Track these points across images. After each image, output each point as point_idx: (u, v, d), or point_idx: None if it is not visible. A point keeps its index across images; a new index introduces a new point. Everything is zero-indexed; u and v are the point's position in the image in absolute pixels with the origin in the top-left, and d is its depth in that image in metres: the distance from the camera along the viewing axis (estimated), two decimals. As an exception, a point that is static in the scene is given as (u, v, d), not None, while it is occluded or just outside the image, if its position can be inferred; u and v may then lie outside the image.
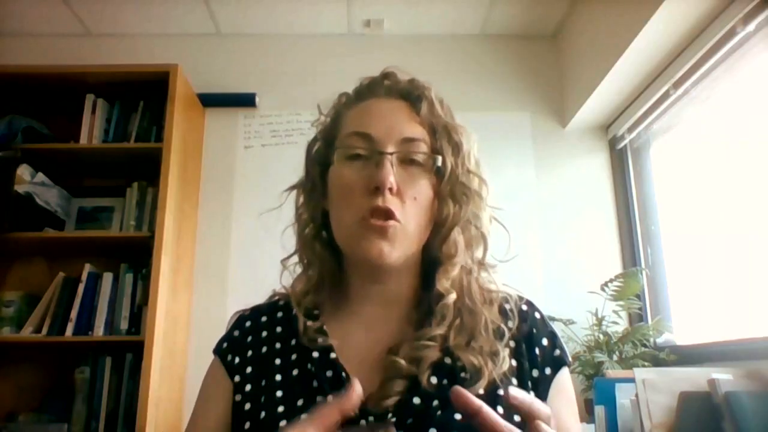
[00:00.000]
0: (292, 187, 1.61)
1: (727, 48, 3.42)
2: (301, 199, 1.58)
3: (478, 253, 1.49)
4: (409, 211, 1.38)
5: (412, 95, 1.50)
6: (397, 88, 1.53)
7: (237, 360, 1.48)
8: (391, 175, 1.35)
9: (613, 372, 3.46)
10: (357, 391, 1.07)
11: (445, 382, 1.31)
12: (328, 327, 1.45)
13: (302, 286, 1.53)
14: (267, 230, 3.79)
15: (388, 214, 1.34)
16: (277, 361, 1.42)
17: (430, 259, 1.49)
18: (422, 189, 1.41)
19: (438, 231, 1.45)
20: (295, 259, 1.58)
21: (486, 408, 1.01)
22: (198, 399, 1.52)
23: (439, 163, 1.42)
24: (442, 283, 1.41)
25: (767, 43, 3.24)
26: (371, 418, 1.26)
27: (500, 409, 1.26)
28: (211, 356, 1.54)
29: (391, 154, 1.39)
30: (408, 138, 1.42)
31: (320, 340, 1.40)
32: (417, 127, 1.45)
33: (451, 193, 1.43)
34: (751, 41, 3.32)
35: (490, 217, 1.52)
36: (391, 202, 1.35)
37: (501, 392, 1.29)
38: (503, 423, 1.00)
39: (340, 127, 1.52)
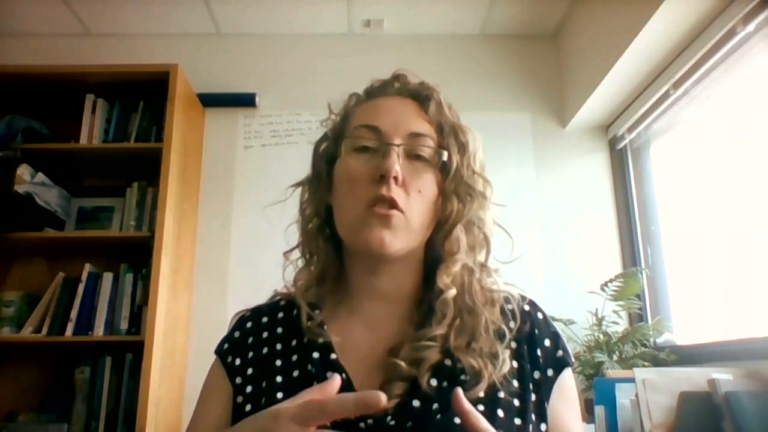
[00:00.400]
0: (298, 184, 1.62)
1: (727, 48, 3.41)
2: (306, 195, 1.59)
3: (481, 256, 1.50)
4: (413, 204, 1.39)
5: (421, 95, 1.52)
6: (407, 89, 1.55)
7: (238, 361, 1.49)
8: (397, 164, 1.37)
9: (613, 372, 3.46)
10: (336, 383, 1.11)
11: (445, 384, 1.31)
12: (329, 324, 1.46)
13: (304, 280, 1.54)
14: (267, 230, 3.80)
15: (392, 204, 1.35)
16: (278, 363, 1.42)
17: (433, 258, 1.49)
18: (427, 183, 1.42)
19: (441, 228, 1.46)
20: (297, 254, 1.59)
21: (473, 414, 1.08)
22: (199, 399, 1.52)
23: (445, 158, 1.44)
24: (443, 279, 1.41)
25: (767, 43, 3.24)
26: (370, 421, 1.26)
27: (500, 413, 1.28)
28: (211, 356, 1.55)
29: (398, 146, 1.40)
30: (415, 133, 1.44)
31: (320, 340, 1.41)
32: (425, 124, 1.47)
33: (456, 190, 1.45)
34: (751, 41, 3.32)
35: (494, 221, 1.52)
36: (396, 192, 1.36)
37: (501, 395, 1.30)
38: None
39: (348, 123, 1.54)
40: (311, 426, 1.00)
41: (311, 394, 1.08)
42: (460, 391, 1.11)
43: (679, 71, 3.78)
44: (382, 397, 0.98)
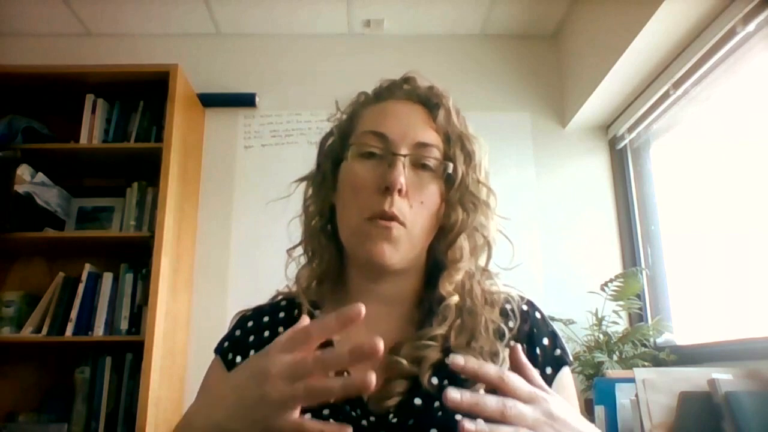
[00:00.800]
0: (303, 179, 1.63)
1: (727, 48, 3.41)
2: (310, 191, 1.60)
3: (482, 260, 1.51)
4: (415, 215, 1.40)
5: (430, 101, 1.53)
6: (416, 93, 1.55)
7: (238, 359, 1.49)
8: (402, 176, 1.38)
9: (613, 372, 3.46)
10: (305, 321, 1.13)
11: (445, 382, 1.31)
12: None
13: (306, 278, 1.55)
14: (267, 229, 3.80)
15: (394, 219, 1.36)
16: None
17: (434, 262, 1.51)
18: (430, 194, 1.43)
19: (444, 236, 1.47)
20: (299, 251, 1.59)
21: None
22: (197, 396, 1.51)
23: (450, 170, 1.45)
24: (445, 287, 1.43)
25: (767, 43, 3.24)
26: (372, 418, 1.28)
27: None
28: (211, 356, 1.55)
29: (405, 156, 1.41)
30: (422, 143, 1.44)
31: None
32: (432, 133, 1.47)
33: (460, 200, 1.46)
34: (751, 41, 3.32)
35: (497, 228, 1.53)
36: (399, 204, 1.37)
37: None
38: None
39: (356, 124, 1.54)
40: (300, 351, 1.03)
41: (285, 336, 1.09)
42: (519, 347, 1.17)
43: (679, 71, 3.78)
44: (361, 308, 1.03)
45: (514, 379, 1.08)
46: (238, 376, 1.10)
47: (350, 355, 0.98)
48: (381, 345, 0.97)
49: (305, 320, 1.14)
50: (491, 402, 1.02)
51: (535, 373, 1.16)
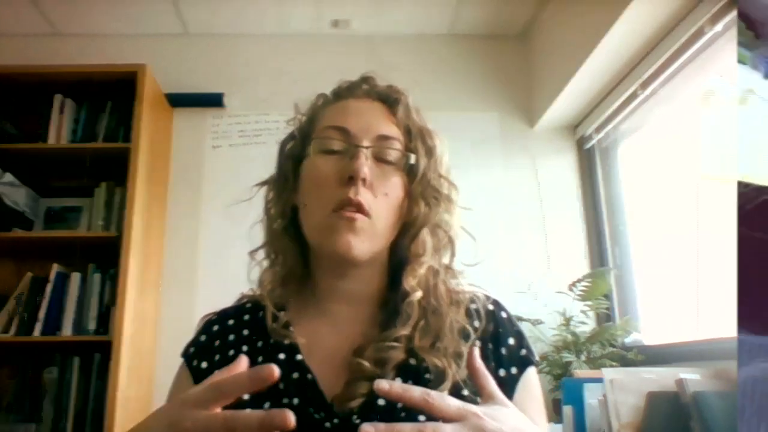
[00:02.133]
0: (263, 183, 1.63)
1: (694, 48, 3.43)
2: (271, 194, 1.59)
3: (446, 258, 1.52)
4: (380, 207, 1.40)
5: (389, 98, 1.54)
6: (375, 91, 1.56)
7: (204, 364, 1.48)
8: (366, 166, 1.38)
9: (581, 372, 3.46)
10: (243, 365, 1.13)
11: (409, 383, 1.30)
12: (295, 325, 1.46)
13: (269, 281, 1.55)
14: (235, 230, 3.78)
15: (359, 207, 1.36)
16: None
17: (398, 260, 1.51)
18: (394, 186, 1.43)
19: (407, 231, 1.47)
20: (263, 254, 1.59)
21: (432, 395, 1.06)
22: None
23: (413, 161, 1.46)
24: (409, 281, 1.42)
25: (734, 43, 3.26)
26: (336, 420, 1.28)
27: None
28: (180, 357, 1.54)
29: (367, 148, 1.41)
30: (383, 135, 1.45)
31: (286, 341, 1.41)
32: (393, 127, 1.48)
33: (422, 193, 1.46)
34: (718, 42, 3.33)
35: (459, 224, 1.54)
36: (363, 194, 1.37)
37: (466, 393, 1.30)
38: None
39: (316, 123, 1.54)
40: (214, 407, 1.00)
41: (218, 376, 1.08)
42: (476, 350, 1.21)
43: (647, 71, 3.80)
44: (275, 369, 0.98)
45: (440, 399, 1.05)
46: (154, 426, 1.08)
47: (259, 424, 0.97)
48: (292, 419, 0.94)
49: (243, 360, 1.14)
50: (406, 430, 1.01)
51: (489, 379, 1.18)
